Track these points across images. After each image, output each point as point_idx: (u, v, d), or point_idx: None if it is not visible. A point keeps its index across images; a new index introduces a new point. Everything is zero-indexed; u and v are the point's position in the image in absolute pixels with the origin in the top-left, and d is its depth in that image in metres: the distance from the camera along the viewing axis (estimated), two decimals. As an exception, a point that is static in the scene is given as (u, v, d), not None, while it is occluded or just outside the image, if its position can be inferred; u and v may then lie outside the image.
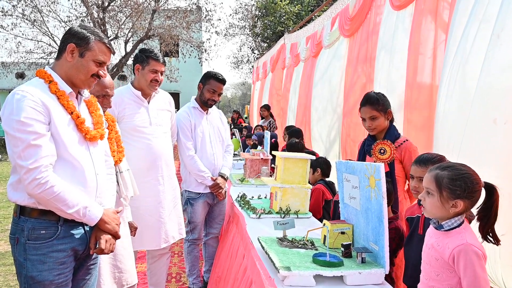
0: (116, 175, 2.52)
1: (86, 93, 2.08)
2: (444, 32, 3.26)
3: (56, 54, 2.01)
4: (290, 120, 8.79)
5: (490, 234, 1.70)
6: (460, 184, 1.63)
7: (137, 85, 3.11)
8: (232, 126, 12.43)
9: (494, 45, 2.55)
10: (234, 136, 7.88)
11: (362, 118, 2.83)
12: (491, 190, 1.69)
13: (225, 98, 51.19)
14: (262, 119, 9.44)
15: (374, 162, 2.76)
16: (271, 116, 9.22)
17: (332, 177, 3.80)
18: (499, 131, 2.57)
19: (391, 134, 2.79)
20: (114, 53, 2.05)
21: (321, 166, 3.72)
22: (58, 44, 2.01)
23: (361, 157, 2.96)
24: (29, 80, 1.95)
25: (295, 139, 4.81)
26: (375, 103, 2.76)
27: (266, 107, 9.25)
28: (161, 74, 3.11)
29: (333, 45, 6.16)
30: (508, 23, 2.48)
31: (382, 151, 2.76)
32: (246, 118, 17.15)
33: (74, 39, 1.92)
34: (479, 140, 2.78)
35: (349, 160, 3.06)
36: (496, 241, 1.70)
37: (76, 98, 2.01)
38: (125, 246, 2.58)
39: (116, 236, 2.00)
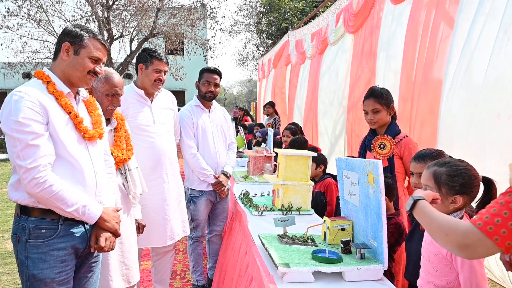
0: (125, 172, 2.54)
1: (84, 93, 2.10)
2: (449, 26, 3.24)
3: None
4: (296, 117, 8.78)
5: None
6: (459, 179, 1.63)
7: (140, 84, 3.13)
8: (237, 123, 12.42)
9: (502, 39, 2.54)
10: (238, 134, 7.88)
11: (365, 111, 2.87)
12: (489, 184, 1.68)
13: (231, 95, 51.22)
14: (267, 116, 9.42)
15: (374, 157, 2.76)
16: (276, 113, 9.20)
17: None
18: (503, 126, 2.56)
19: (392, 129, 2.81)
20: (108, 50, 2.08)
21: (324, 162, 3.72)
22: None
23: (362, 153, 2.97)
24: (28, 81, 1.97)
25: (300, 136, 4.80)
26: (378, 96, 2.80)
27: (271, 104, 9.22)
28: (165, 73, 3.13)
29: (339, 41, 6.14)
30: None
31: (382, 146, 2.77)
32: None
33: (68, 38, 1.94)
34: (483, 135, 2.77)
35: (351, 156, 3.06)
36: None
37: (75, 98, 2.03)
38: (131, 243, 2.61)
39: (116, 234, 2.02)
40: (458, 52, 3.02)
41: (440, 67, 3.30)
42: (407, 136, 2.81)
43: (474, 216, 1.21)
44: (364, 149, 2.95)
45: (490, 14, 2.74)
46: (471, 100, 2.88)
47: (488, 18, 2.76)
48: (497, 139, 2.68)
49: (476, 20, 2.86)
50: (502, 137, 2.62)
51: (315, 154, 3.19)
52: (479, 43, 2.82)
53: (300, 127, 5.96)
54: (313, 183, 3.10)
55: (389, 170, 2.72)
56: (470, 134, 2.92)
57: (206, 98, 3.63)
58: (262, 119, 11.13)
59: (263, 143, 6.82)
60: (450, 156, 2.15)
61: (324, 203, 3.52)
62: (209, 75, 3.61)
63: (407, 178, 2.83)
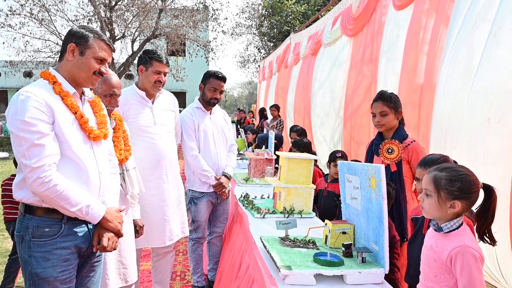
0: (123, 172, 2.55)
1: (89, 93, 2.11)
2: (446, 29, 3.25)
3: None
4: (291, 119, 8.80)
5: (487, 235, 1.71)
6: (457, 184, 1.63)
7: (141, 86, 3.15)
8: (239, 126, 12.44)
9: (491, 44, 2.54)
10: (239, 136, 7.89)
11: (373, 114, 2.88)
12: (489, 191, 1.69)
13: (232, 97, 51.27)
14: (267, 119, 9.45)
15: (382, 161, 2.78)
16: (279, 116, 9.24)
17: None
18: (493, 130, 2.57)
19: (399, 134, 2.83)
20: (114, 50, 2.08)
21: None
22: None
23: (369, 157, 2.98)
24: (34, 81, 1.99)
25: (304, 138, 4.80)
26: (387, 99, 2.83)
27: (276, 107, 9.27)
28: (165, 75, 3.15)
29: (334, 43, 6.14)
30: (506, 22, 2.46)
31: (389, 150, 2.78)
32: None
33: (73, 39, 1.96)
34: (474, 139, 2.78)
35: (354, 160, 3.07)
36: (493, 242, 1.71)
37: (80, 98, 2.05)
38: (129, 243, 2.62)
39: (118, 234, 2.03)
40: (449, 56, 3.03)
41: (437, 71, 3.30)
42: (414, 141, 2.82)
43: None
44: (371, 153, 2.96)
45: (481, 17, 2.74)
46: (462, 104, 2.89)
47: (479, 22, 2.75)
48: (488, 143, 2.68)
49: (467, 23, 2.86)
50: (492, 141, 2.62)
51: (317, 157, 3.20)
52: (469, 47, 2.82)
53: (304, 130, 5.99)
54: (314, 186, 3.12)
55: (397, 175, 2.73)
56: (462, 138, 2.92)
57: (210, 104, 3.65)
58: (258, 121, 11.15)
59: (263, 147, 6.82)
60: (455, 162, 2.15)
61: (337, 204, 3.50)
62: (217, 82, 3.61)
63: (414, 182, 2.84)
